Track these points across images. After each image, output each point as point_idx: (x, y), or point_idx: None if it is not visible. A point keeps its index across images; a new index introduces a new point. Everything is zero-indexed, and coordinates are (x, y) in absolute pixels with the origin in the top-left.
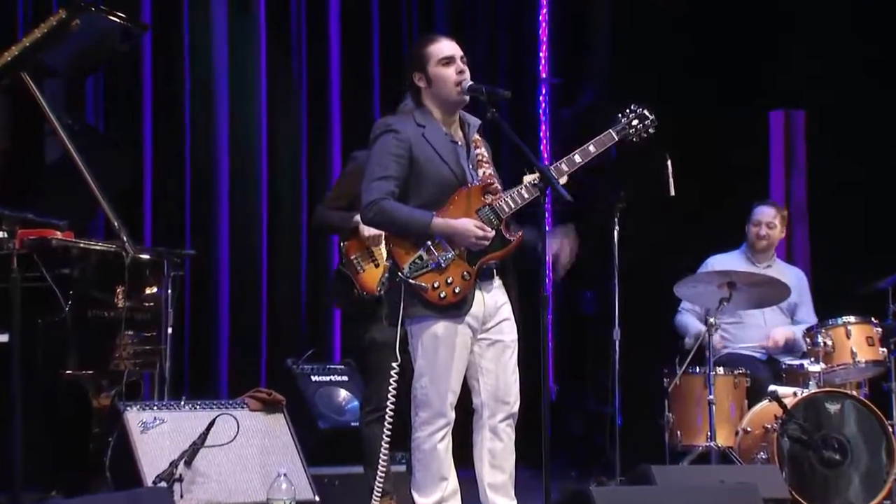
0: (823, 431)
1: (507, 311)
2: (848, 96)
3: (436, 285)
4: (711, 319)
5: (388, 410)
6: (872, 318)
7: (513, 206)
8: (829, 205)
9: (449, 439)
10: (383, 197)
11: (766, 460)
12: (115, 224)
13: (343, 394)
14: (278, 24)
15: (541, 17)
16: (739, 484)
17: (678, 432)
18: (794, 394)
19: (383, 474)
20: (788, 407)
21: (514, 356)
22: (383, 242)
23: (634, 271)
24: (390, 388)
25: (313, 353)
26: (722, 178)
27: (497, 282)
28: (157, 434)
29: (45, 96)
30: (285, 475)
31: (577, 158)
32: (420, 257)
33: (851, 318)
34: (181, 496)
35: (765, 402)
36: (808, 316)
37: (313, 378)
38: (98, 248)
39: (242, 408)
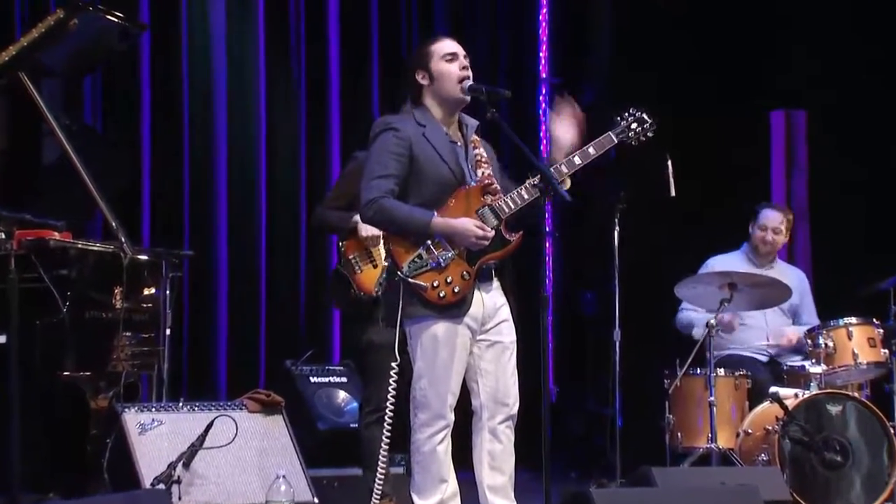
0: (825, 433)
1: (505, 312)
2: (849, 96)
3: (435, 284)
4: (712, 321)
5: (387, 412)
6: (874, 320)
7: (513, 206)
8: (830, 205)
9: (448, 441)
10: (383, 195)
11: (767, 462)
12: (113, 225)
13: (342, 395)
14: (277, 24)
15: (541, 17)
16: (740, 486)
17: (679, 434)
18: (796, 395)
19: (383, 476)
20: (790, 408)
21: (513, 357)
22: (381, 243)
23: (635, 272)
24: (389, 388)
25: (312, 355)
26: (722, 178)
27: (496, 283)
28: (156, 435)
29: (43, 96)
30: (284, 477)
31: (577, 160)
32: (419, 256)
33: (853, 320)
34: (179, 498)
35: (766, 404)
36: (810, 318)
37: (312, 379)
38: (96, 248)
39: (241, 409)
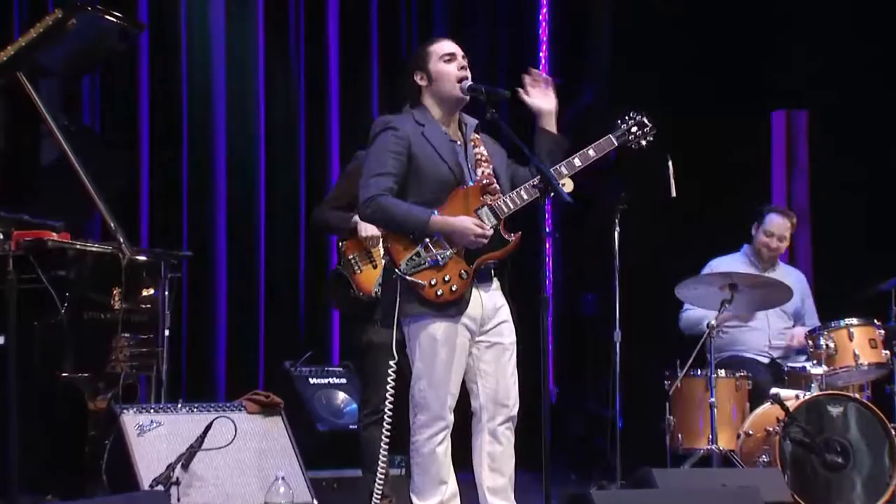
0: (826, 434)
1: (505, 313)
2: (850, 96)
3: (433, 283)
4: (713, 322)
5: (386, 412)
6: (875, 321)
7: (512, 206)
8: (831, 206)
9: (448, 442)
10: (381, 193)
11: (768, 463)
12: (112, 225)
13: (341, 396)
14: (276, 25)
15: (541, 17)
16: (741, 487)
17: (679, 435)
18: (797, 396)
19: (382, 477)
20: (790, 410)
21: (513, 359)
22: (381, 244)
23: (635, 273)
24: (388, 388)
25: (311, 356)
26: (723, 178)
27: (495, 284)
28: (154, 437)
29: (42, 97)
30: (283, 478)
31: (577, 162)
32: (417, 254)
33: (854, 321)
34: (178, 500)
35: (767, 405)
36: (812, 320)
37: (311, 380)
38: (94, 249)
39: (240, 410)
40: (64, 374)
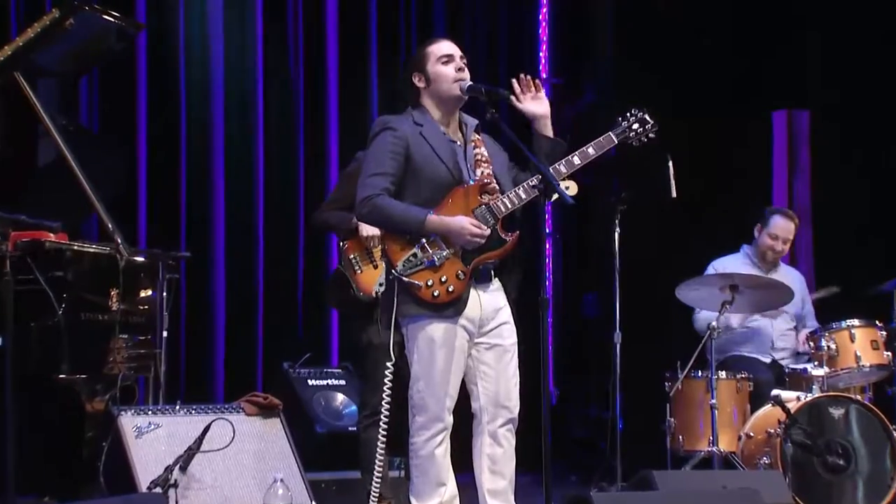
0: (827, 436)
1: (506, 314)
2: (852, 96)
3: (429, 283)
4: (714, 323)
5: (383, 413)
6: (877, 322)
7: (510, 205)
8: (832, 206)
9: (447, 444)
10: (378, 193)
11: (769, 465)
12: (110, 226)
13: (340, 398)
14: (275, 25)
15: (541, 17)
16: (742, 489)
17: (680, 437)
18: (798, 398)
19: (379, 478)
20: (792, 411)
21: (514, 360)
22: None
23: (636, 274)
24: (384, 389)
25: (310, 357)
26: (724, 179)
27: (495, 284)
28: (152, 439)
29: (39, 97)
30: (282, 480)
31: (576, 161)
32: (414, 255)
33: (855, 322)
34: (176, 502)
35: (768, 407)
36: (811, 321)
37: (310, 382)
38: (92, 250)
39: (238, 412)
40: (61, 376)
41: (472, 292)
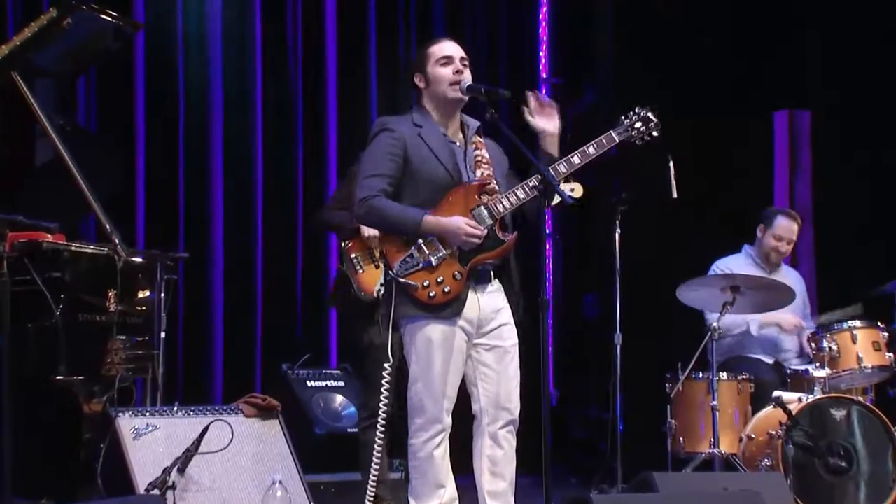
0: (829, 438)
1: (506, 315)
2: (853, 96)
3: (426, 284)
4: (715, 324)
5: (380, 413)
6: (878, 323)
7: (507, 206)
8: (834, 207)
9: (446, 446)
10: (375, 194)
11: (770, 467)
12: (107, 227)
13: (339, 399)
14: (274, 25)
15: (541, 17)
16: (743, 491)
17: (681, 439)
18: (799, 399)
19: (375, 479)
20: (793, 413)
21: (514, 361)
22: None
23: (636, 274)
24: (382, 390)
25: (309, 358)
26: (725, 179)
27: (495, 285)
28: (150, 440)
29: (36, 97)
30: (280, 482)
31: (576, 160)
32: (411, 255)
33: (857, 323)
34: None
35: (769, 408)
36: (809, 322)
37: (309, 383)
38: (89, 251)
39: (237, 414)
40: (58, 377)
41: (471, 293)
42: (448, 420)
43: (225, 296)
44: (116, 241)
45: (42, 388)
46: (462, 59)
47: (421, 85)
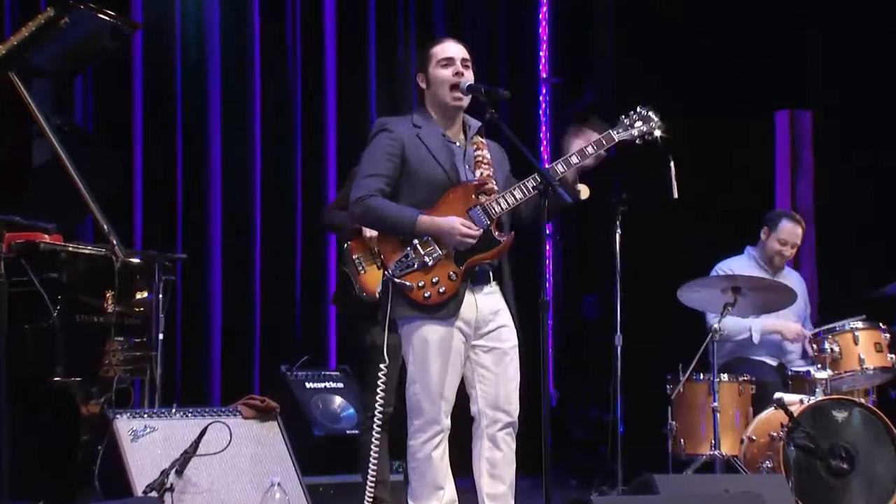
0: (830, 440)
1: (504, 317)
2: (854, 96)
3: (421, 284)
4: (715, 325)
5: (376, 414)
6: (880, 324)
7: (504, 206)
8: (835, 207)
9: (444, 447)
10: (371, 194)
11: (771, 469)
12: (105, 227)
13: (338, 401)
14: (273, 24)
15: (541, 17)
16: (744, 493)
17: (682, 440)
18: (801, 401)
19: (373, 479)
20: (795, 415)
21: (513, 363)
22: None
23: (637, 275)
24: (377, 391)
25: (308, 360)
26: (726, 180)
27: (493, 287)
28: (148, 442)
29: (34, 97)
30: (279, 484)
31: (574, 160)
32: (406, 256)
33: (859, 324)
34: None
35: (770, 410)
36: (809, 323)
37: (308, 385)
38: (87, 251)
39: (235, 415)
40: (56, 379)
41: (468, 294)
42: (446, 421)
43: (223, 297)
44: (114, 242)
45: (39, 390)
46: (464, 60)
47: (423, 85)
